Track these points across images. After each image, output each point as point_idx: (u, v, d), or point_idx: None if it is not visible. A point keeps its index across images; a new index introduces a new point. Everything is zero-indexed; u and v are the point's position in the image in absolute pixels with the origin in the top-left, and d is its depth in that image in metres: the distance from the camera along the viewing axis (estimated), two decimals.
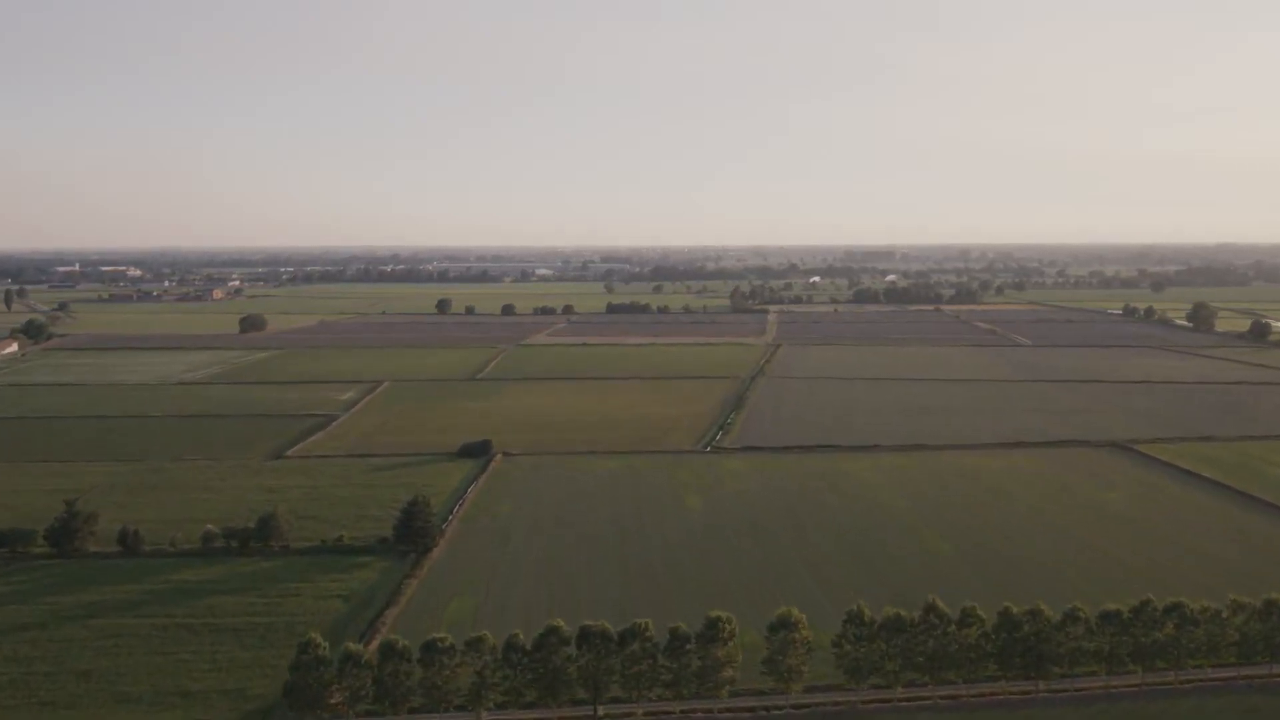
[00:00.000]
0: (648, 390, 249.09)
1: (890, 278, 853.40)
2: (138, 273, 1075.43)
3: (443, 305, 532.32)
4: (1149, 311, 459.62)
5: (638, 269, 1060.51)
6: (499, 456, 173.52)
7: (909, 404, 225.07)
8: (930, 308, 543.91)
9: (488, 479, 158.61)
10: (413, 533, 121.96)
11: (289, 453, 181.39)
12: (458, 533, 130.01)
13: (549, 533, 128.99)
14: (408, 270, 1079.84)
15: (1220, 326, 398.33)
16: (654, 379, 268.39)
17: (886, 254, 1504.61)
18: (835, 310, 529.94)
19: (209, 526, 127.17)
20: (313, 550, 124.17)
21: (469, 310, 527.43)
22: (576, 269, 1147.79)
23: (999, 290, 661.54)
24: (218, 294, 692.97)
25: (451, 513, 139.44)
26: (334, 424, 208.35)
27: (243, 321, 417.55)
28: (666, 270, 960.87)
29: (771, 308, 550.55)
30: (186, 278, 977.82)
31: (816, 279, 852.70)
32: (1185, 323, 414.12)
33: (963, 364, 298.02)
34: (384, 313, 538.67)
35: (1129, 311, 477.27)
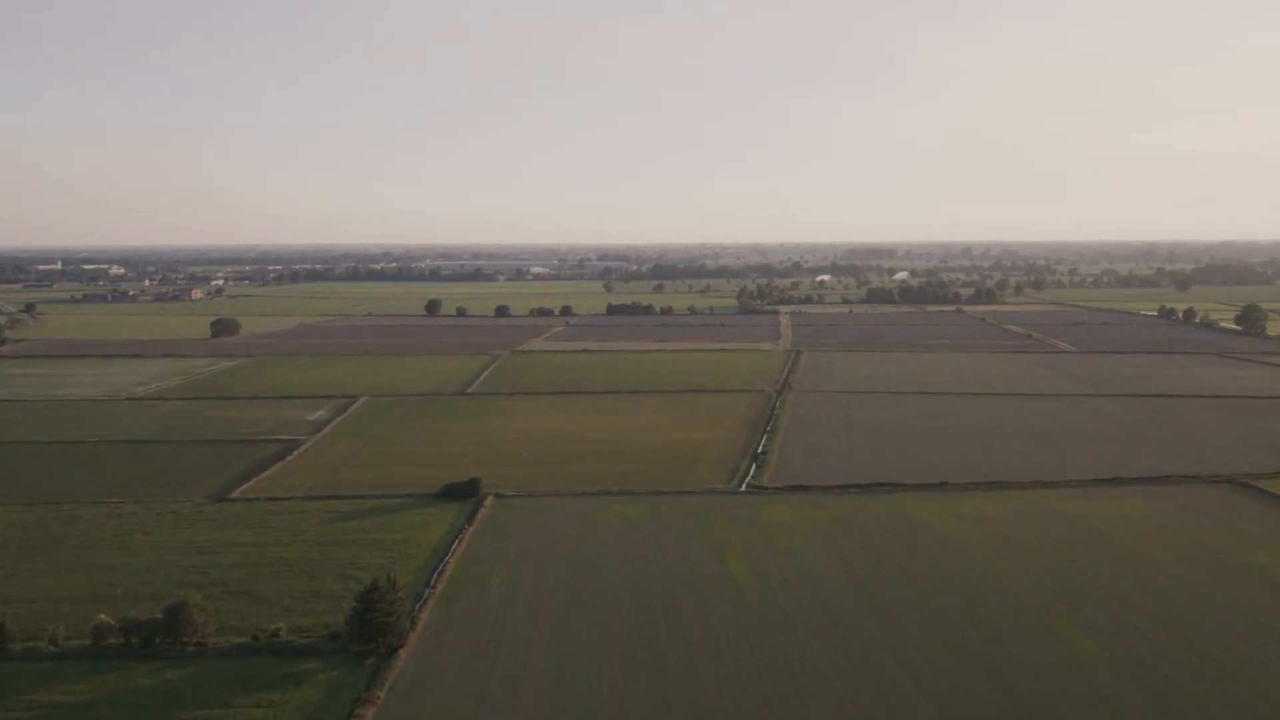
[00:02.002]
0: (661, 407, 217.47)
1: (900, 275, 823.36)
2: (120, 271, 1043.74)
3: (432, 306, 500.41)
4: (1189, 313, 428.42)
5: (636, 267, 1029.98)
6: (490, 499, 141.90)
7: (966, 425, 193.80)
8: (951, 308, 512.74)
9: (476, 533, 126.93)
10: (371, 628, 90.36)
11: (236, 492, 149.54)
12: (435, 622, 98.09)
13: (555, 625, 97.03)
14: (399, 269, 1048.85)
15: (1270, 330, 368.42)
16: (666, 393, 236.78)
17: (888, 251, 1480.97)
18: (850, 311, 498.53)
19: (101, 616, 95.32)
20: (239, 650, 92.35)
21: (460, 312, 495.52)
22: (573, 267, 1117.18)
23: (1017, 289, 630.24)
24: (196, 294, 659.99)
25: (429, 585, 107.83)
26: (296, 452, 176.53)
27: (214, 325, 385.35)
28: (666, 268, 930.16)
29: (782, 308, 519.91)
30: (168, 276, 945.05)
31: (825, 277, 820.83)
32: (1233, 326, 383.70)
33: (1010, 374, 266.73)
34: (369, 314, 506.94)
35: (1165, 313, 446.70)
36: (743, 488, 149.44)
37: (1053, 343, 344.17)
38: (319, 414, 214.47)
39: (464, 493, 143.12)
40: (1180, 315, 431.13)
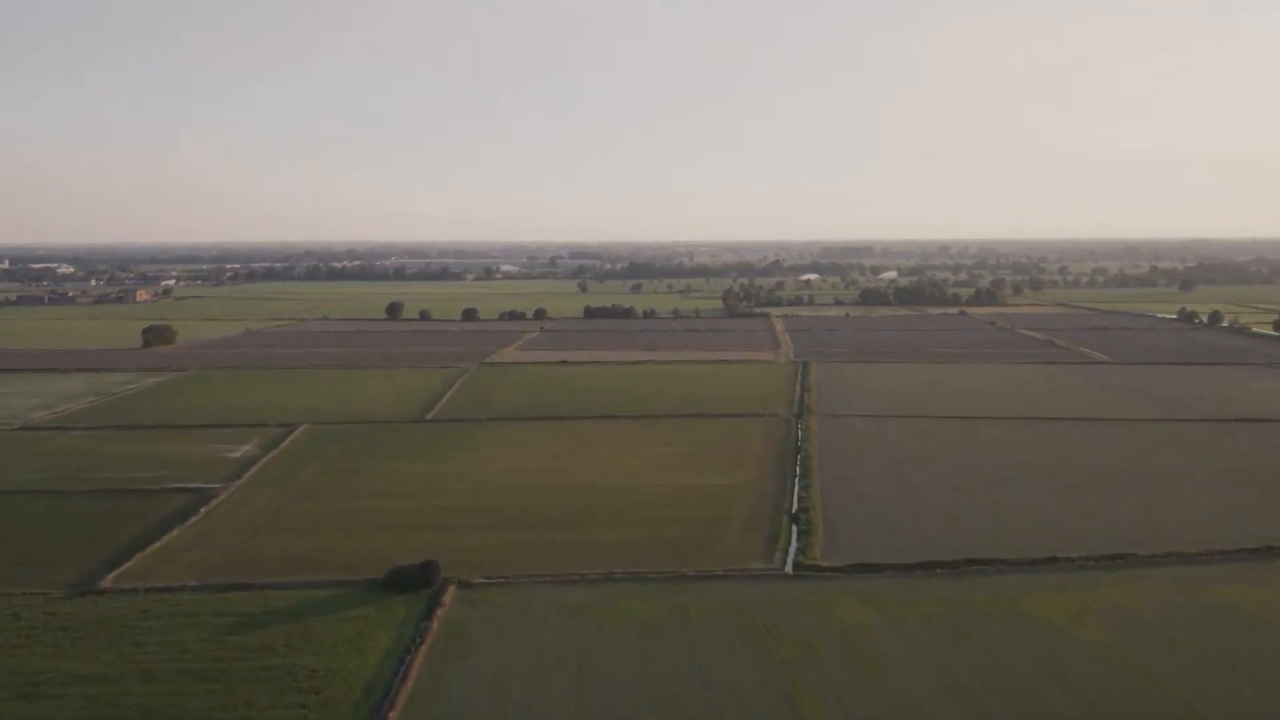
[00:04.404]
0: (661, 439, 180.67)
1: (887, 275, 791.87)
2: (69, 270, 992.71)
3: (393, 309, 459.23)
4: (1214, 317, 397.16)
5: (610, 265, 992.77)
6: (451, 591, 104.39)
7: (1040, 464, 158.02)
8: (953, 310, 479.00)
9: (431, 655, 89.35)
10: None
11: (110, 577, 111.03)
12: None
13: None
14: (361, 267, 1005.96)
15: None
16: (665, 418, 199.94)
17: (866, 249, 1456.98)
18: (846, 315, 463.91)
19: None
20: None
21: (424, 315, 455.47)
22: (544, 265, 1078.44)
23: (1016, 290, 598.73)
24: (142, 295, 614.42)
25: None
26: (205, 508, 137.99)
27: (145, 333, 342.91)
28: (643, 267, 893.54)
29: (772, 311, 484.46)
30: (117, 275, 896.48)
31: (811, 277, 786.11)
32: (1271, 332, 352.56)
33: (1054, 391, 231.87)
34: (325, 317, 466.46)
35: (1186, 317, 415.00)
36: (788, 568, 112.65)
37: (1081, 351, 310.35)
38: (245, 449, 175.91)
39: (416, 581, 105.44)
40: (1204, 319, 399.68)
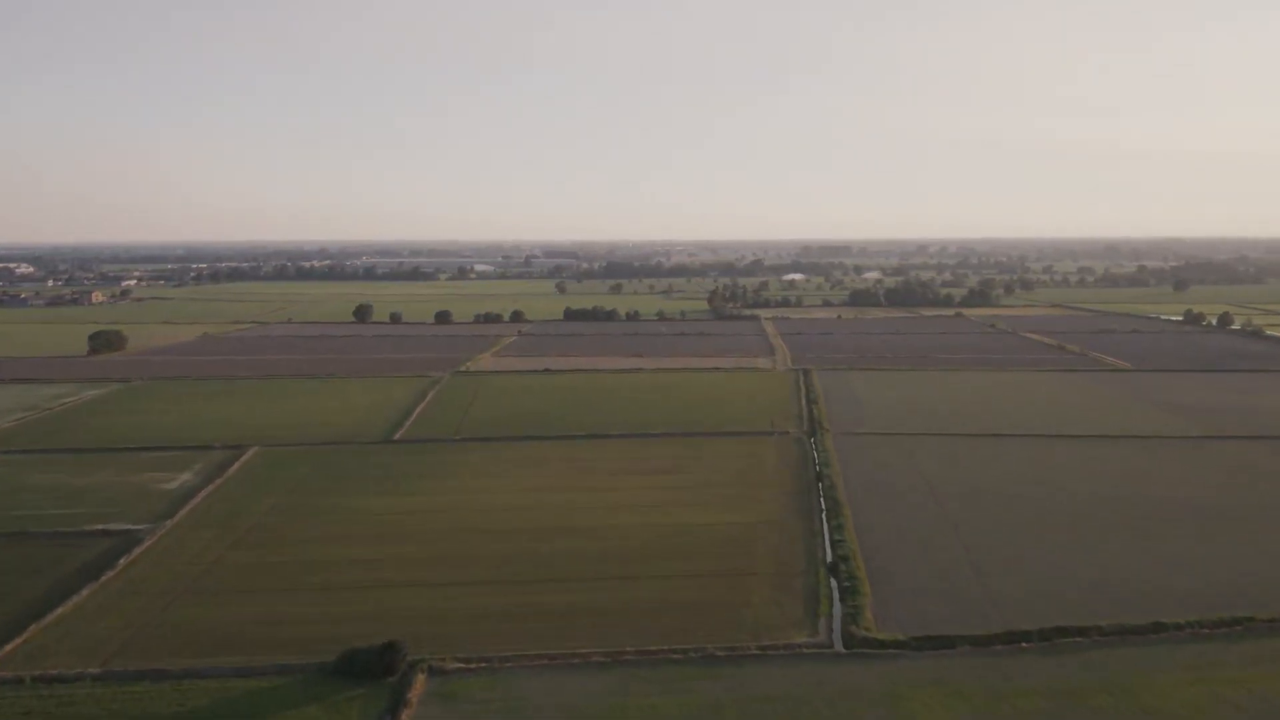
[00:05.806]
0: (662, 464, 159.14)
1: (871, 275, 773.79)
2: (29, 269, 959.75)
3: (362, 312, 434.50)
4: (1223, 319, 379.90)
5: (588, 265, 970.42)
6: (420, 681, 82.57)
7: (1104, 496, 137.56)
8: (949, 313, 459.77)
9: None
10: None
11: None
12: None
13: None
14: (331, 266, 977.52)
15: None
16: (662, 438, 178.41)
17: (844, 249, 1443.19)
18: (838, 317, 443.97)
19: None
20: None
21: (394, 318, 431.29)
22: (519, 265, 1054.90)
23: (1008, 290, 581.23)
24: (98, 296, 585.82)
25: None
26: (126, 559, 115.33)
27: (92, 339, 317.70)
28: (621, 267, 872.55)
29: (760, 312, 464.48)
30: (76, 275, 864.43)
31: (795, 276, 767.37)
32: None
33: (1088, 405, 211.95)
34: (289, 320, 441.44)
35: (1192, 319, 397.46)
36: (837, 641, 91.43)
37: (1097, 357, 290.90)
38: (184, 477, 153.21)
39: (375, 667, 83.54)
40: (1213, 321, 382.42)
